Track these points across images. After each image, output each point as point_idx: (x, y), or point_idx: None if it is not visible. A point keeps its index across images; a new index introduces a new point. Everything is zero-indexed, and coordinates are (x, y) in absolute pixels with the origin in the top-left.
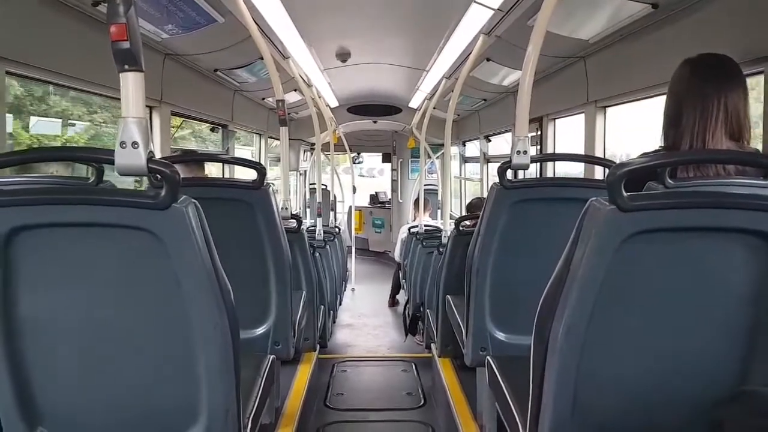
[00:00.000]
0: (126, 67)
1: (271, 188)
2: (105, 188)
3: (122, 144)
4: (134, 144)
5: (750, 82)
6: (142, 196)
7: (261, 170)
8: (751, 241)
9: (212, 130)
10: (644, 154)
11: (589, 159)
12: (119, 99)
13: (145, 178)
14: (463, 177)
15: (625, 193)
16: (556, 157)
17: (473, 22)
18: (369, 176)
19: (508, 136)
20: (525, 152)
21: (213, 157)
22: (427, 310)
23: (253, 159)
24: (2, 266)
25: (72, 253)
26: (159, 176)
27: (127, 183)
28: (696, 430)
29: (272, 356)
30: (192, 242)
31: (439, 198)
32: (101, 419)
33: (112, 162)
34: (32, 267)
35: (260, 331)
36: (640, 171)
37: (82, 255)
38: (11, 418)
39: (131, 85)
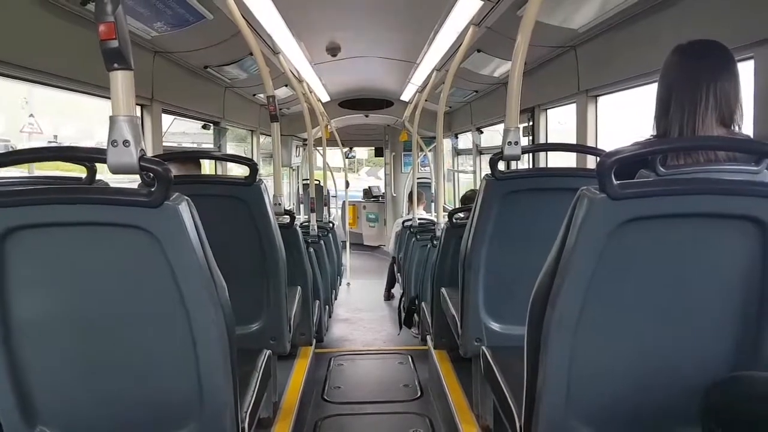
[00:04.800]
0: (115, 65)
1: (263, 184)
2: (98, 187)
3: (113, 143)
4: (125, 142)
5: (740, 67)
6: (135, 195)
7: (253, 166)
8: (743, 227)
9: (204, 127)
10: (635, 143)
11: (580, 148)
12: (105, 97)
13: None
14: (456, 170)
15: (615, 182)
16: (547, 147)
17: (463, 13)
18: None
19: (500, 127)
20: (516, 143)
21: (205, 154)
22: (422, 303)
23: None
24: None
25: (67, 251)
26: (151, 174)
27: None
28: (689, 416)
29: (268, 351)
30: (186, 239)
31: (433, 191)
32: (100, 416)
33: (104, 161)
34: (28, 266)
35: (255, 326)
36: (631, 159)
37: (77, 254)
38: (11, 417)
39: (120, 83)
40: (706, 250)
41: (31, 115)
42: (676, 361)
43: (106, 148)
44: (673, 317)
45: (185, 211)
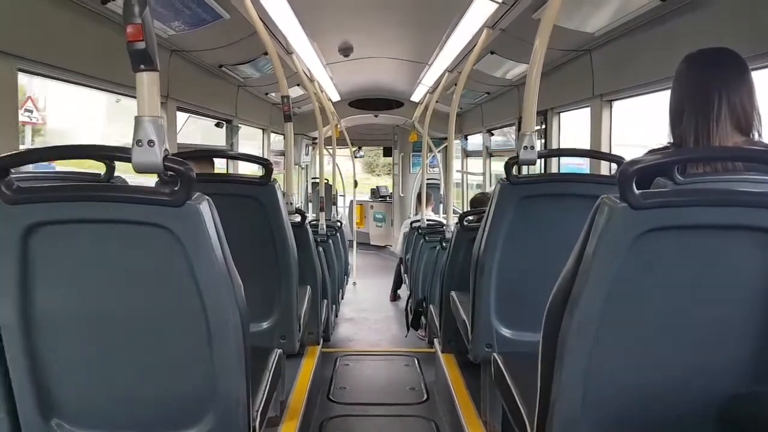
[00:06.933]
0: (142, 66)
1: (277, 184)
2: (121, 185)
3: (138, 142)
4: (150, 142)
5: (761, 75)
6: (158, 194)
7: (268, 166)
8: (764, 239)
9: (217, 125)
10: (652, 151)
11: (596, 154)
12: (125, 95)
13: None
14: (465, 171)
15: (636, 191)
16: (563, 153)
17: (477, 15)
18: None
19: (508, 129)
20: (532, 147)
21: (221, 153)
22: (430, 305)
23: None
24: (21, 262)
25: (88, 248)
26: (174, 174)
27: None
28: (706, 429)
29: (279, 350)
30: (206, 238)
31: (441, 192)
32: (115, 411)
33: (128, 160)
34: (49, 262)
35: (266, 325)
36: (653, 169)
37: (98, 250)
38: (27, 410)
39: (146, 84)
40: (727, 262)
41: (30, 98)
42: (694, 372)
43: (130, 146)
44: (692, 329)
45: (206, 210)
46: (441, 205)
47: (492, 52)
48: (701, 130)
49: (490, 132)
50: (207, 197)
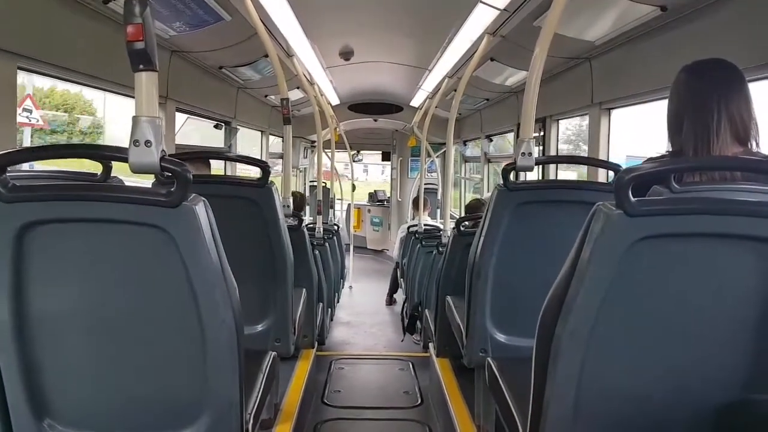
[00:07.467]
0: (141, 66)
1: (275, 186)
2: (117, 185)
3: (135, 142)
4: (147, 143)
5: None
6: (154, 194)
7: (266, 168)
8: (759, 248)
9: (216, 126)
10: (650, 159)
11: (594, 162)
12: (123, 95)
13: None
14: (463, 176)
15: (632, 199)
16: (560, 160)
17: (478, 22)
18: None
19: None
20: (530, 154)
21: (220, 155)
22: (426, 310)
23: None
24: (15, 260)
25: (83, 248)
26: (170, 174)
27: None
28: None
29: (273, 353)
30: (202, 239)
31: (439, 197)
32: (108, 411)
33: (125, 160)
34: (44, 261)
35: (261, 327)
36: (649, 177)
37: (93, 250)
38: (20, 410)
39: (145, 84)
40: (722, 270)
41: (30, 96)
42: (689, 380)
43: (127, 147)
44: (687, 336)
45: (202, 211)
46: (438, 210)
47: (492, 59)
48: (701, 140)
49: (489, 138)
50: (203, 198)
